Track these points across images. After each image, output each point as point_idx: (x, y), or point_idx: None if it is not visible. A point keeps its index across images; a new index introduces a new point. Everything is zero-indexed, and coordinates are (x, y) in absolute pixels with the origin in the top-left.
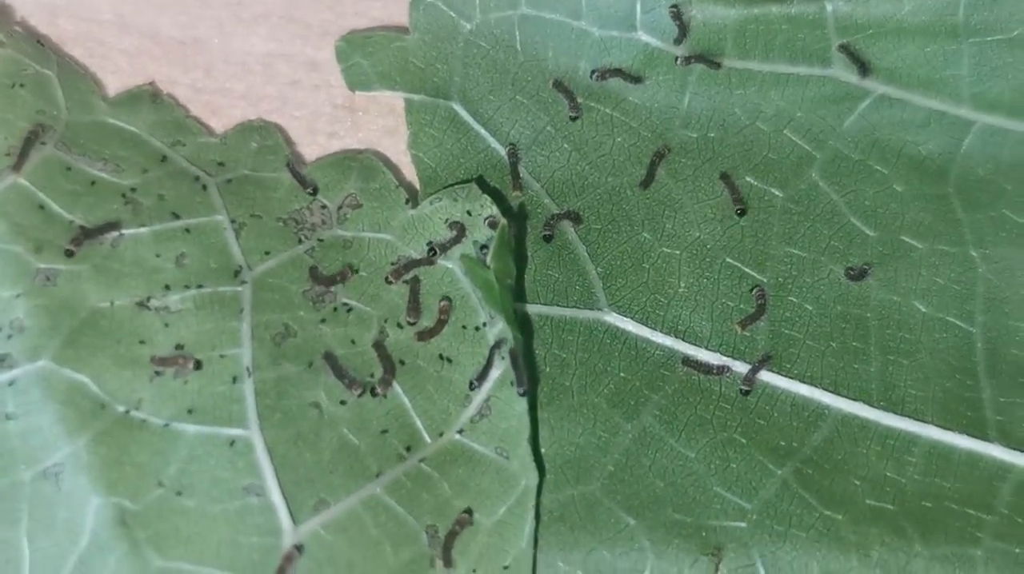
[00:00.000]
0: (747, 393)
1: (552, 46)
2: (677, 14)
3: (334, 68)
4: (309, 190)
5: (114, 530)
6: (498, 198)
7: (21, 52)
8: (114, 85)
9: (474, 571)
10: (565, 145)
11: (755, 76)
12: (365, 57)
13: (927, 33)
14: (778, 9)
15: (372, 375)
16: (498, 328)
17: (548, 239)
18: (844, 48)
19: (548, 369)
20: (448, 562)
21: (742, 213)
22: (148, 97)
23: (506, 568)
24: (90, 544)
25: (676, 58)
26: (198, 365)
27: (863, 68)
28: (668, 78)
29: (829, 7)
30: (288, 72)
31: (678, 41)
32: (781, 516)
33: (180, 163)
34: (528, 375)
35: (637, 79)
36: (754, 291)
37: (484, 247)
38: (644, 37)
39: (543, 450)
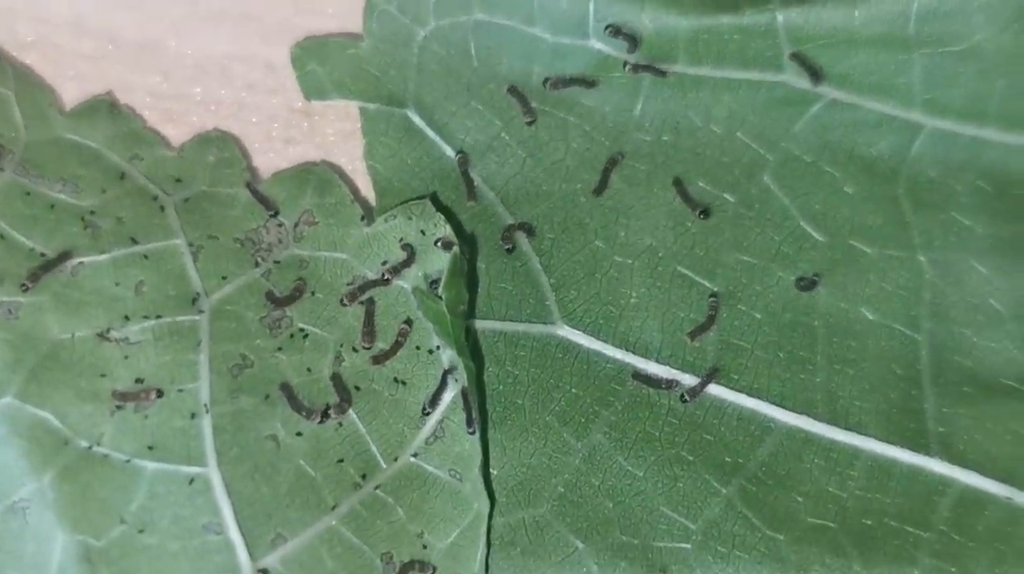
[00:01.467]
0: (686, 402)
1: (506, 52)
2: (616, 31)
3: (291, 71)
4: (271, 212)
5: (80, 567)
6: (452, 212)
7: None
8: (72, 91)
9: None
10: (520, 151)
11: (707, 81)
12: (320, 64)
13: (878, 43)
14: (729, 20)
15: (328, 404)
16: (451, 352)
17: (509, 252)
18: (796, 56)
19: (501, 387)
20: None
21: (705, 214)
22: (106, 108)
23: None
24: None
25: (624, 65)
26: (160, 394)
27: (815, 75)
28: (622, 83)
29: (780, 18)
30: (245, 74)
31: (631, 49)
32: (725, 537)
33: (138, 180)
34: (479, 406)
35: (591, 83)
36: (709, 300)
37: (435, 277)
38: (597, 44)
39: (494, 472)
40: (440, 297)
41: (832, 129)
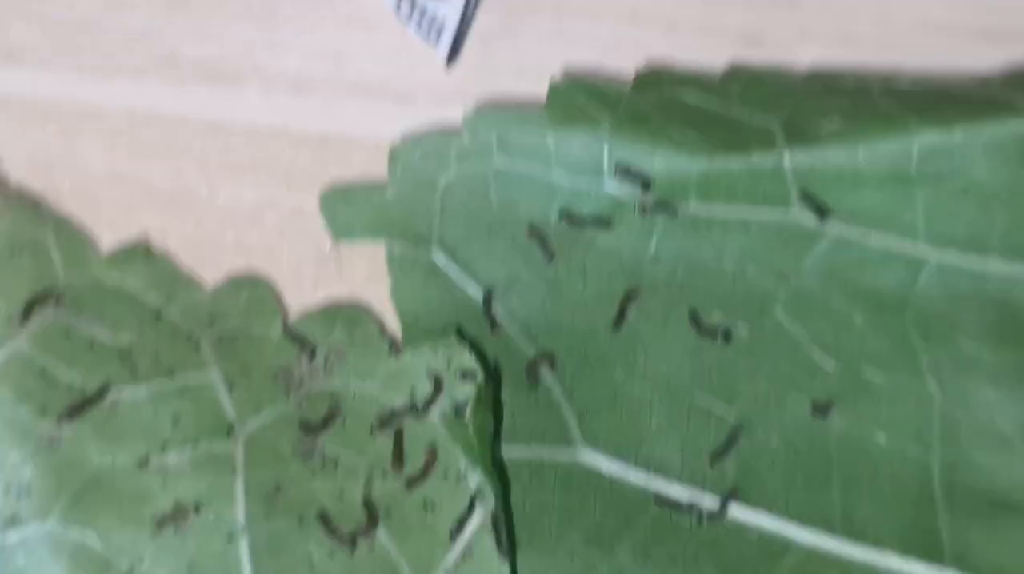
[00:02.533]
0: (703, 525)
1: (525, 196)
2: (627, 172)
3: (319, 216)
4: (307, 351)
5: None
6: (476, 345)
7: (19, 215)
8: (108, 238)
9: None
10: (540, 288)
11: (719, 221)
12: (348, 208)
13: (882, 180)
14: (737, 164)
15: (357, 530)
16: (479, 477)
17: (532, 385)
18: (803, 195)
19: (527, 510)
20: None
21: (727, 337)
22: (142, 252)
23: None
24: None
25: (635, 207)
26: (197, 510)
27: (822, 213)
28: (636, 223)
29: (787, 159)
30: (275, 221)
31: (643, 190)
32: None
33: (174, 320)
34: (507, 528)
35: (606, 223)
36: (729, 429)
37: (462, 405)
38: (611, 188)
39: None
40: (467, 425)
41: (839, 264)
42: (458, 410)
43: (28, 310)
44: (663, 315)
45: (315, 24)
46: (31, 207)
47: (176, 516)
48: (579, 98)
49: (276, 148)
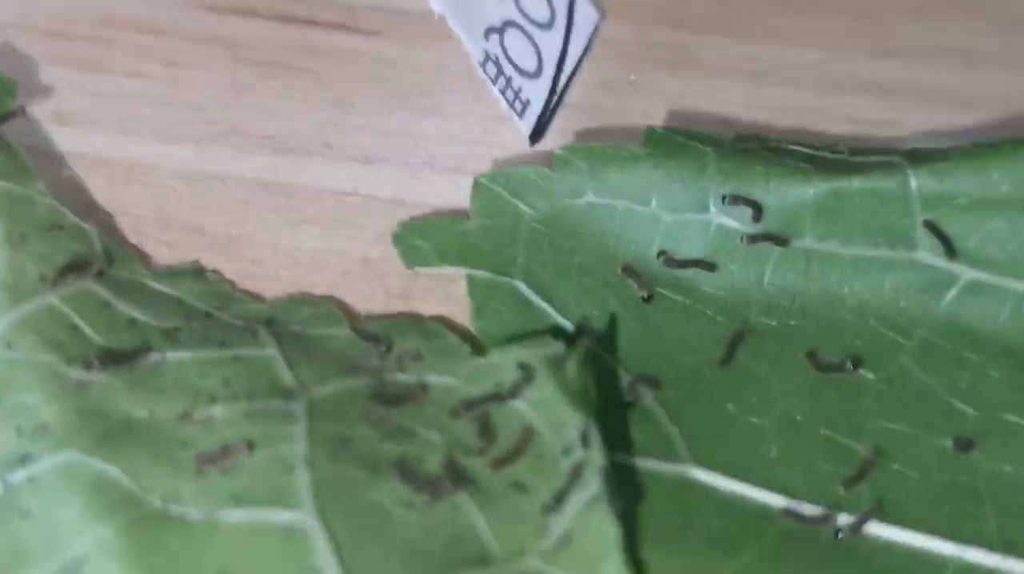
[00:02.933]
0: (841, 538)
1: (620, 232)
2: (737, 198)
3: (388, 262)
4: (381, 346)
5: None
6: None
7: (66, 201)
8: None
9: None
10: (637, 327)
11: (835, 260)
12: (425, 240)
13: (1016, 207)
14: (859, 183)
15: (440, 479)
16: (576, 456)
17: (632, 403)
18: (928, 224)
19: (640, 512)
20: None
21: (855, 364)
22: (193, 271)
23: None
24: None
25: (741, 237)
26: (251, 447)
27: (949, 247)
28: (744, 265)
29: (912, 182)
30: (338, 266)
31: (755, 217)
32: None
33: (225, 319)
34: (618, 500)
35: (710, 267)
36: (863, 460)
37: (562, 358)
38: (717, 218)
39: None
40: (570, 376)
41: (970, 314)
42: (558, 365)
43: (63, 273)
44: (775, 358)
45: (391, 109)
46: (76, 201)
47: (223, 456)
48: (678, 138)
49: (344, 205)
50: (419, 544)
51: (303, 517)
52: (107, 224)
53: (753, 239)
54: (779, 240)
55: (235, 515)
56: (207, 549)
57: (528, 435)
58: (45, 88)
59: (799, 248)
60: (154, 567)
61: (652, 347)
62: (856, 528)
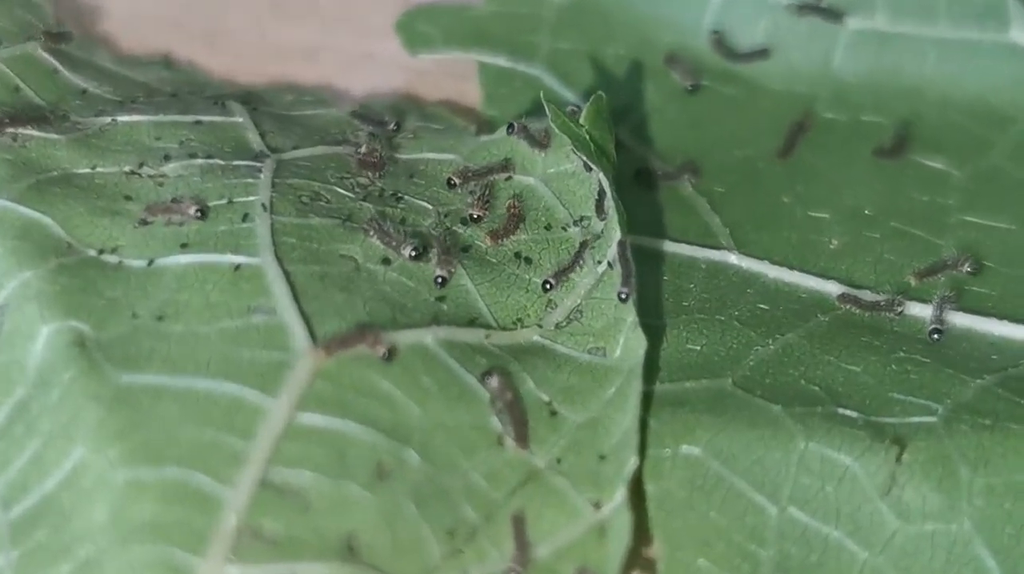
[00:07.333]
0: (936, 339)
1: (662, 15)
2: None
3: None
4: (392, 125)
5: (68, 352)
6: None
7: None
8: None
9: (558, 461)
10: (681, 119)
11: (913, 43)
12: (430, 25)
13: None
14: None
15: (426, 246)
16: (587, 227)
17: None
18: None
19: (666, 293)
20: (524, 441)
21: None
22: (162, 62)
23: (603, 458)
24: (33, 383)
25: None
26: (201, 212)
27: None
28: (806, 51)
29: None
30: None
31: None
32: (985, 413)
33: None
34: (632, 279)
35: (763, 54)
36: (944, 256)
37: (577, 112)
38: None
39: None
40: (583, 125)
41: None
42: (574, 116)
43: (6, 34)
44: (841, 151)
45: None
46: None
47: (172, 208)
48: None
49: None
50: (393, 297)
51: (256, 260)
52: (74, 11)
53: (800, 9)
54: (830, 14)
55: (181, 260)
56: (145, 293)
57: (518, 201)
58: None
59: (870, 30)
60: (81, 310)
61: (695, 139)
62: (938, 316)
